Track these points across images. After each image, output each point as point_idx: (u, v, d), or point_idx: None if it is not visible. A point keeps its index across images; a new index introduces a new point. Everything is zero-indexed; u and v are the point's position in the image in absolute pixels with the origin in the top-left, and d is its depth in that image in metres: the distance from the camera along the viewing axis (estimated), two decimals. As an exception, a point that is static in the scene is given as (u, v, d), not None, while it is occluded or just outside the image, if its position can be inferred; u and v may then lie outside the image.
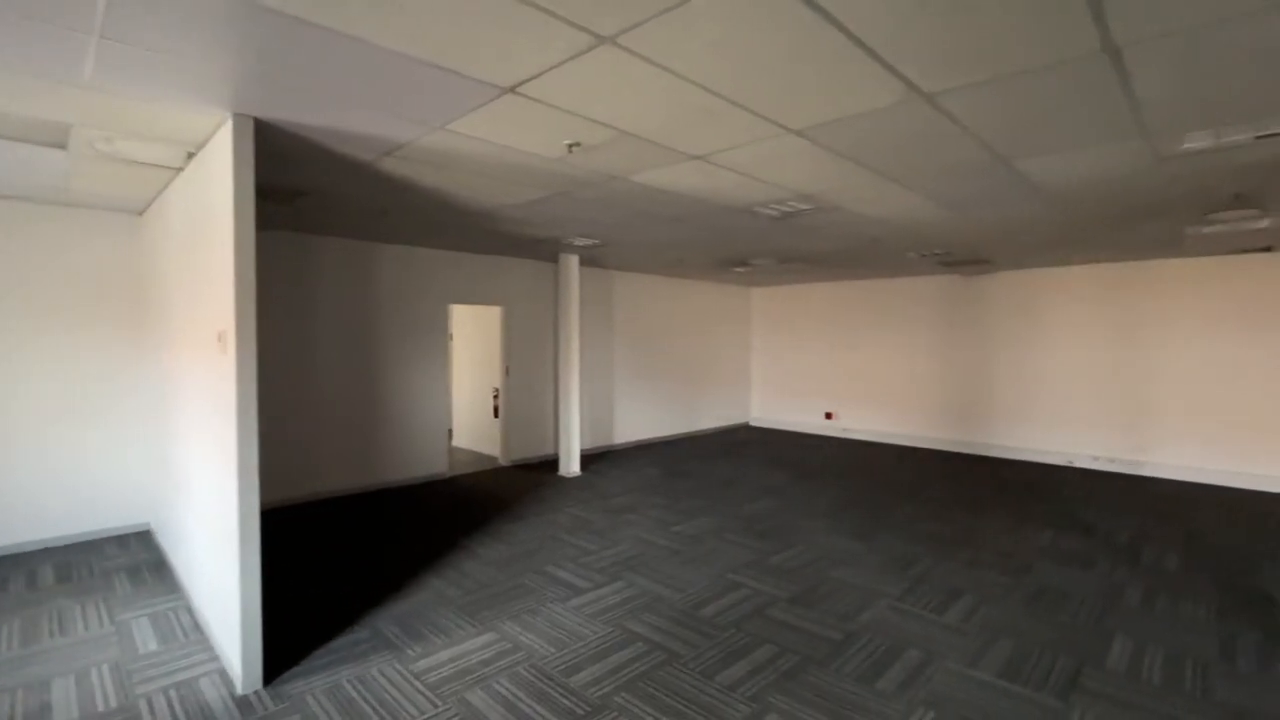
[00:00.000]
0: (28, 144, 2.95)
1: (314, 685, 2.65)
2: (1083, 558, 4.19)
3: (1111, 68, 2.07)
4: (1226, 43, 1.90)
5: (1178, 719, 2.44)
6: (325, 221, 4.87)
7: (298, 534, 4.65)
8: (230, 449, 2.65)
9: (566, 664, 2.82)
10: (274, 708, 2.50)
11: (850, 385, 9.19)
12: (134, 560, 4.11)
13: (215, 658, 2.88)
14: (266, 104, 2.45)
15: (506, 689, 2.63)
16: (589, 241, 5.76)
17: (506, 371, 7.13)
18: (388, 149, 3.00)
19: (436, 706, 2.50)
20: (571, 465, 6.67)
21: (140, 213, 4.60)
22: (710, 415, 9.78)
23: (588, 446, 7.88)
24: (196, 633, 3.12)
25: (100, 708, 2.50)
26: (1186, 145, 2.83)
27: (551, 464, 7.24)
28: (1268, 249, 5.85)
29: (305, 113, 2.54)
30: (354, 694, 2.59)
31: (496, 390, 7.36)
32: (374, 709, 2.48)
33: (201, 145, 2.96)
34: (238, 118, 2.55)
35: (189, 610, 3.37)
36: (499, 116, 2.56)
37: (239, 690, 2.60)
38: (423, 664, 2.82)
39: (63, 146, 2.99)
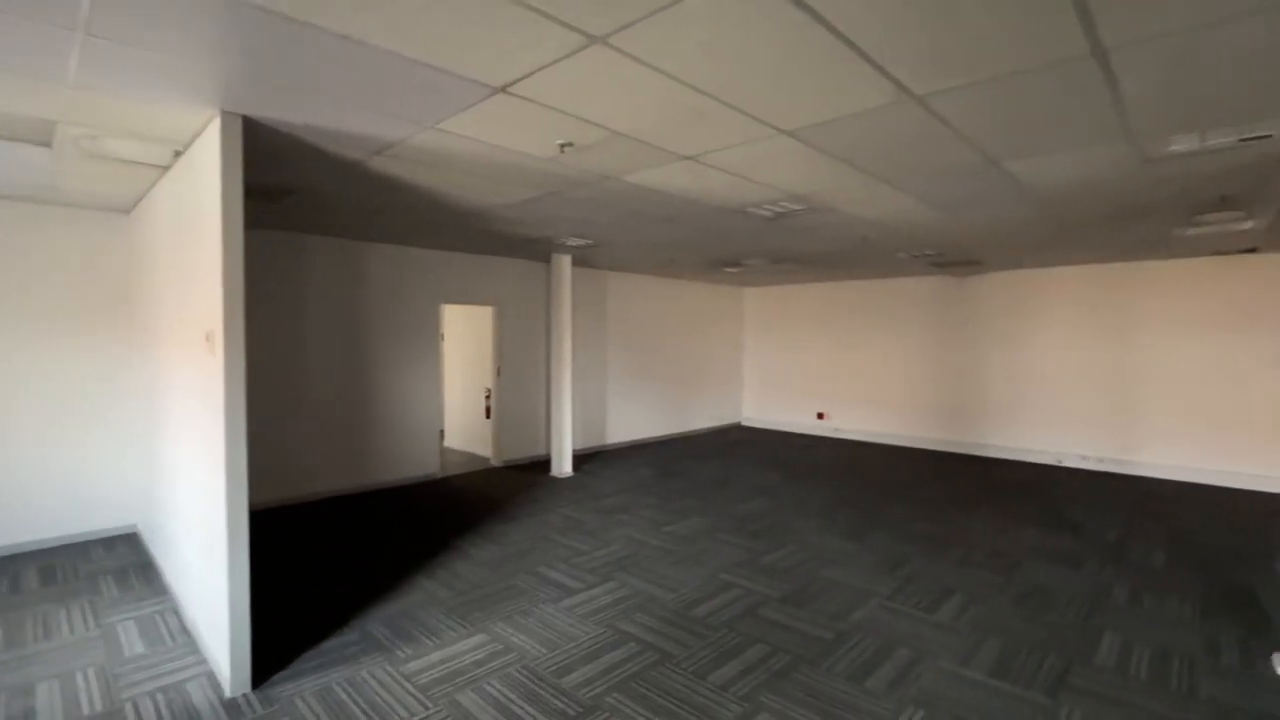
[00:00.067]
0: (11, 141, 2.91)
1: (303, 688, 2.63)
2: (1071, 556, 4.23)
3: (1099, 70, 2.09)
4: (1212, 46, 1.93)
5: (1164, 715, 2.47)
6: (316, 220, 4.84)
7: (287, 535, 4.62)
8: (218, 449, 2.62)
9: (558, 665, 2.82)
10: (263, 711, 2.48)
11: (842, 385, 9.23)
12: (121, 562, 4.06)
13: (203, 661, 2.85)
14: (255, 102, 2.43)
15: (498, 690, 2.62)
16: (581, 241, 5.75)
17: (498, 372, 7.10)
18: (378, 148, 2.99)
19: (427, 708, 2.49)
20: (564, 466, 6.66)
21: (127, 211, 4.55)
22: (702, 415, 9.79)
23: (580, 447, 7.87)
24: (184, 635, 3.09)
25: (85, 712, 2.47)
26: (1173, 148, 2.87)
27: (543, 464, 7.22)
28: (1252, 250, 5.92)
29: (294, 111, 2.52)
30: (344, 696, 2.57)
31: (488, 391, 7.34)
32: (364, 711, 2.47)
33: (189, 143, 2.94)
34: (226, 115, 2.52)
35: (176, 613, 3.34)
36: (490, 116, 2.55)
37: (227, 693, 2.57)
38: (413, 666, 2.81)
39: (47, 144, 2.95)
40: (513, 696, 2.57)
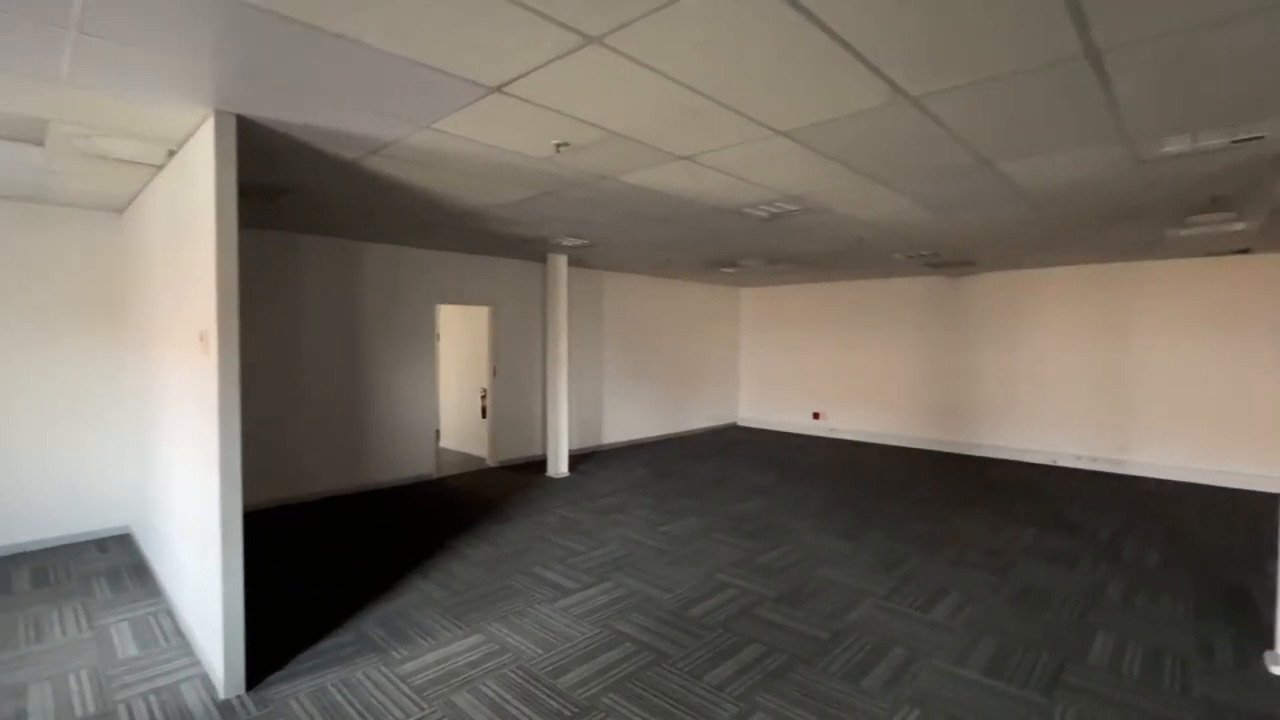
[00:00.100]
0: (3, 140, 2.89)
1: (298, 689, 2.62)
2: (1066, 556, 4.25)
3: (1092, 72, 2.10)
4: (1204, 48, 1.94)
5: (1157, 714, 2.48)
6: (311, 220, 4.83)
7: (282, 536, 4.60)
8: (212, 450, 2.61)
9: (554, 665, 2.82)
10: (257, 713, 2.47)
11: (838, 385, 9.25)
12: (114, 564, 4.04)
13: (197, 662, 2.84)
14: (249, 101, 2.42)
15: (493, 691, 2.61)
16: (577, 241, 5.75)
17: (494, 372, 7.09)
18: (373, 148, 2.98)
19: (422, 709, 2.48)
20: (559, 466, 6.65)
21: (121, 211, 4.52)
22: (698, 415, 9.79)
23: (576, 447, 7.86)
24: (178, 637, 3.08)
25: (78, 714, 2.46)
26: (1166, 149, 2.88)
27: (539, 465, 7.22)
28: (1244, 251, 5.96)
29: (289, 110, 2.51)
30: (339, 698, 2.56)
31: (484, 391, 7.33)
32: (359, 712, 2.46)
33: (183, 142, 2.92)
34: (219, 115, 2.51)
35: (170, 614, 3.32)
36: (486, 116, 2.55)
37: (221, 695, 2.56)
38: (408, 666, 2.80)
39: (40, 143, 2.93)
40: (508, 697, 2.57)
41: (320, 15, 1.78)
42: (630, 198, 3.94)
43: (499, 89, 2.29)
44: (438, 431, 8.13)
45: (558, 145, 2.92)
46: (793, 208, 4.16)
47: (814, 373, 9.53)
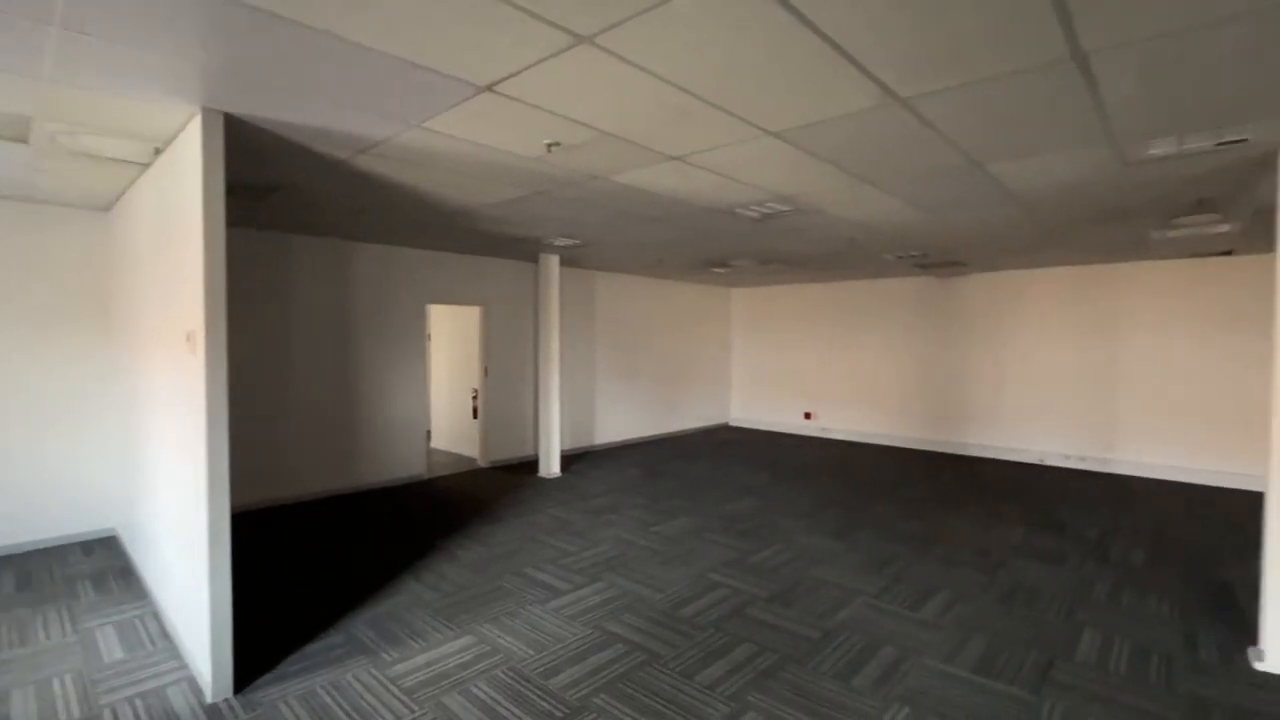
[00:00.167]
0: (-14, 137, 2.85)
1: (287, 692, 2.60)
2: (1054, 554, 4.29)
3: (1079, 74, 2.12)
4: (1189, 52, 1.96)
5: (1143, 710, 2.51)
6: (300, 219, 4.79)
7: (271, 537, 4.56)
8: (200, 451, 2.59)
9: (545, 666, 2.81)
10: (245, 716, 2.44)
11: (829, 385, 9.29)
12: (99, 566, 3.99)
13: (184, 665, 2.81)
14: (237, 99, 2.40)
15: (484, 692, 2.60)
16: (569, 241, 5.74)
17: (485, 372, 7.07)
18: (363, 146, 2.96)
19: (413, 711, 2.47)
20: (551, 466, 6.64)
21: (107, 210, 4.47)
22: (690, 415, 9.80)
23: (568, 447, 7.85)
24: (164, 640, 3.04)
25: (63, 718, 2.43)
26: (1151, 151, 2.91)
27: (531, 465, 7.20)
28: (1228, 252, 6.03)
29: (277, 108, 2.49)
30: (328, 700, 2.54)
31: (475, 391, 7.30)
32: (348, 715, 2.44)
33: (170, 141, 2.89)
34: (207, 112, 2.49)
35: (157, 617, 3.29)
36: (477, 115, 2.54)
37: (209, 698, 2.54)
38: (399, 668, 2.78)
39: (24, 140, 2.90)
40: (499, 698, 2.56)
41: (308, 12, 1.77)
42: (622, 198, 3.94)
43: (490, 88, 2.28)
44: (429, 432, 8.09)
45: (549, 145, 2.91)
46: (784, 208, 4.18)
47: (805, 373, 9.56)
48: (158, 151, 3.06)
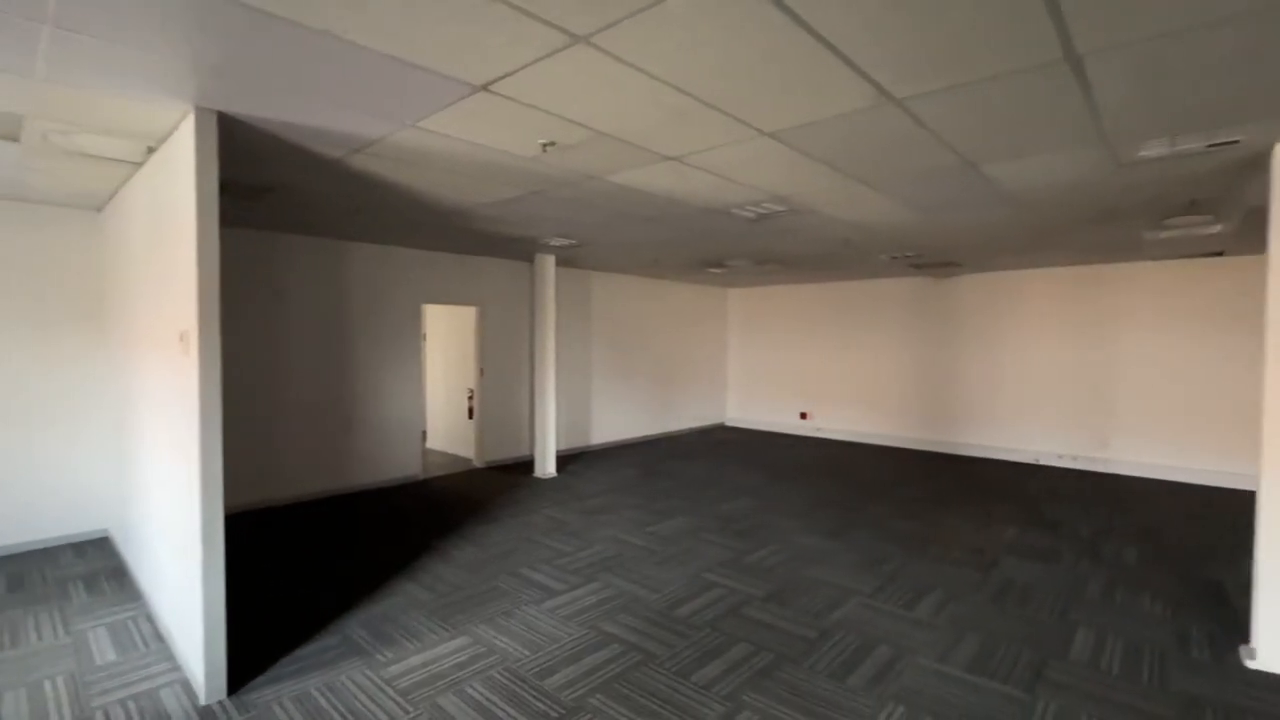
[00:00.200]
0: (-24, 136, 2.83)
1: (281, 694, 2.59)
2: (1048, 553, 4.31)
3: (1073, 76, 2.13)
4: (1181, 54, 1.97)
5: (1136, 708, 2.52)
6: (295, 219, 4.77)
7: (265, 539, 4.54)
8: (193, 452, 2.57)
9: (541, 666, 2.81)
10: (239, 718, 2.43)
11: (824, 386, 9.31)
12: (91, 568, 3.97)
13: (177, 668, 2.80)
14: (231, 98, 2.39)
15: (480, 693, 2.60)
16: (565, 241, 5.74)
17: (481, 372, 7.06)
18: (358, 145, 2.95)
19: (408, 712, 2.46)
20: (547, 466, 6.63)
21: (99, 209, 4.44)
22: (687, 415, 9.81)
23: (564, 447, 7.84)
24: (158, 642, 3.03)
25: (54, 722, 2.41)
26: (1144, 153, 2.93)
27: (527, 465, 7.19)
28: (1219, 253, 6.07)
29: (271, 107, 2.48)
30: (323, 702, 2.53)
31: (471, 391, 7.29)
32: (343, 716, 2.43)
33: (163, 140, 2.88)
34: (200, 111, 2.48)
35: (150, 619, 3.27)
36: (472, 114, 2.54)
37: (202, 700, 2.53)
38: (394, 669, 2.78)
39: (15, 139, 2.87)
40: (495, 699, 2.55)
41: (303, 11, 1.76)
42: (618, 198, 3.94)
43: (485, 87, 2.28)
44: (424, 433, 8.08)
45: (544, 144, 2.91)
46: (780, 208, 4.19)
47: (801, 373, 9.58)
48: (151, 150, 3.04)
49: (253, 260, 5.23)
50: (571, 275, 7.87)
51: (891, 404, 8.63)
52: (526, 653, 2.93)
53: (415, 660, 2.85)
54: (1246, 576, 3.78)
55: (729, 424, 10.55)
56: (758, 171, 3.33)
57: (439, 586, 3.69)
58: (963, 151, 2.96)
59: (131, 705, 2.51)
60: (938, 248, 5.86)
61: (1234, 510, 5.41)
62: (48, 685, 2.65)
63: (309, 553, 4.25)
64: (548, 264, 6.67)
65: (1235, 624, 3.24)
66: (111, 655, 2.90)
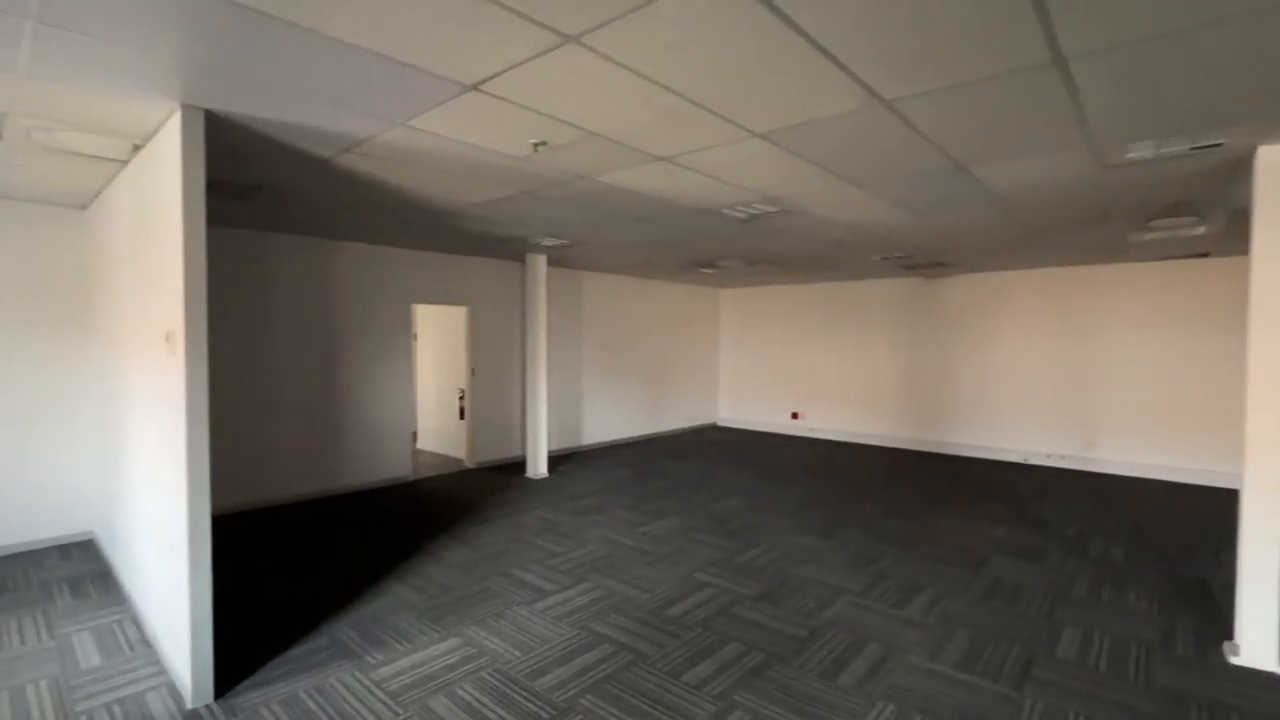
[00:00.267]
0: (-42, 133, 2.79)
1: (269, 697, 2.57)
2: (1036, 551, 4.34)
3: (1060, 79, 2.15)
4: (1165, 59, 2.00)
5: (1122, 704, 2.55)
6: (283, 218, 4.73)
7: (253, 541, 4.51)
8: (179, 452, 2.55)
9: (532, 667, 2.80)
10: (226, 721, 2.41)
11: (815, 386, 9.34)
12: (76, 571, 3.92)
13: (163, 671, 2.77)
14: (218, 95, 2.36)
15: (470, 694, 2.59)
16: (556, 241, 5.72)
17: (472, 373, 7.03)
18: (347, 145, 2.93)
19: (397, 715, 2.45)
20: (539, 467, 6.62)
21: (84, 208, 4.39)
22: (678, 415, 9.82)
23: (555, 448, 7.83)
24: (143, 645, 2.99)
25: (37, 727, 2.38)
26: (1130, 155, 2.96)
27: (518, 466, 7.17)
28: (1204, 255, 6.15)
29: (259, 105, 2.46)
30: (311, 705, 2.51)
31: (462, 392, 7.26)
32: (331, 719, 2.42)
33: (149, 137, 2.85)
34: (187, 109, 2.45)
35: (136, 622, 3.23)
36: (462, 113, 2.53)
37: (189, 704, 2.50)
38: (384, 671, 2.76)
39: (-3, 136, 2.84)
40: (485, 700, 2.55)
41: (292, 9, 1.75)
42: (609, 198, 3.94)
43: (475, 87, 2.27)
44: (415, 433, 8.04)
45: (535, 144, 2.90)
46: (771, 209, 4.20)
47: (792, 373, 9.61)
48: (136, 148, 3.01)
49: (240, 260, 5.18)
50: (563, 275, 7.86)
51: (882, 404, 8.67)
52: (517, 654, 2.92)
53: (405, 662, 2.84)
54: (1230, 574, 3.83)
55: (721, 424, 10.57)
56: (749, 172, 3.34)
57: (429, 588, 3.67)
58: (952, 153, 2.98)
59: (117, 709, 2.48)
60: (928, 249, 5.89)
61: (1219, 508, 5.48)
62: (30, 690, 2.62)
63: (298, 554, 4.22)
64: (539, 264, 6.65)
65: (1219, 621, 3.28)
66: (96, 659, 2.87)
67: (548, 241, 5.74)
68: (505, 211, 4.42)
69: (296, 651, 2.93)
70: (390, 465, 6.26)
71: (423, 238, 5.62)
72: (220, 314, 5.04)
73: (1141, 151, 2.90)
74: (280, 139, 2.84)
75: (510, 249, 6.30)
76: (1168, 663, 2.88)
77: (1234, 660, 2.88)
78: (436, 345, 7.97)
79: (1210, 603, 3.52)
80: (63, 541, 4.41)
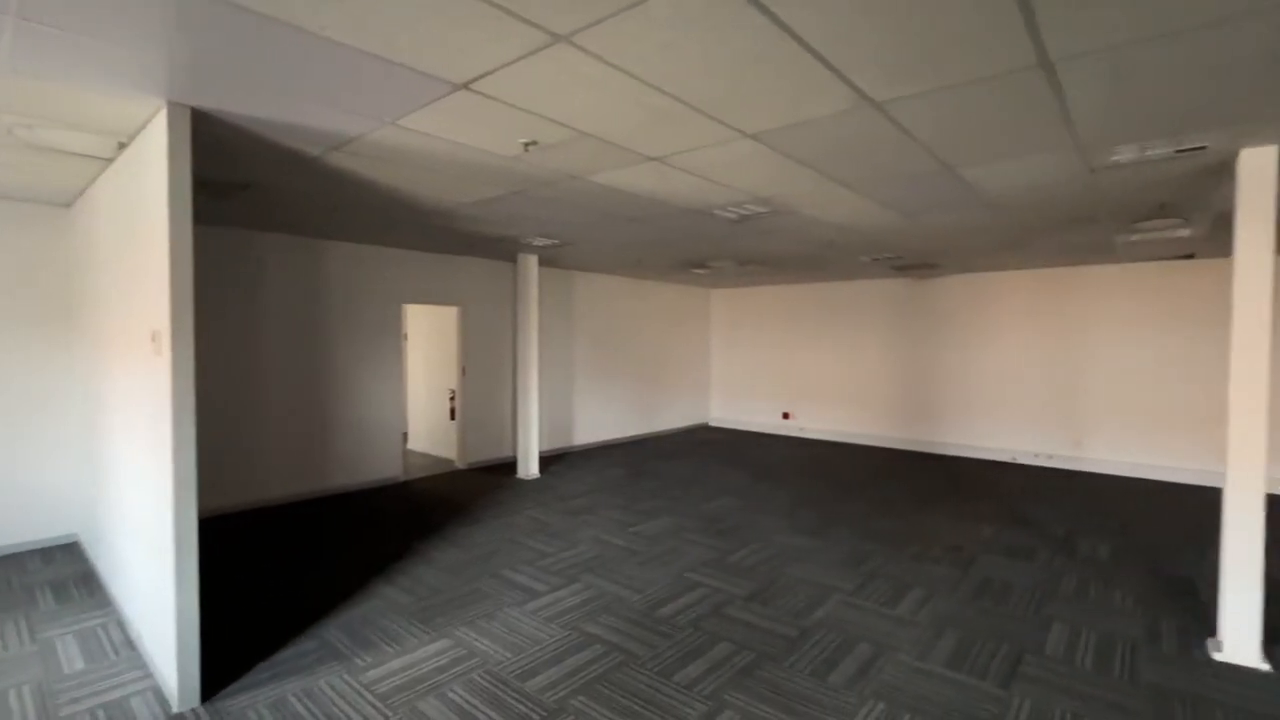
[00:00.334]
0: (-62, 129, 2.74)
1: (257, 700, 2.54)
2: (1024, 550, 4.38)
3: (1046, 82, 2.17)
4: (1148, 62, 2.02)
5: (1108, 701, 2.57)
6: (272, 217, 4.69)
7: (241, 543, 4.46)
8: (165, 453, 2.52)
9: (523, 669, 2.79)
10: (213, 725, 2.39)
11: (806, 386, 9.38)
12: (60, 574, 3.86)
13: (149, 675, 2.73)
14: (204, 93, 2.34)
15: (460, 696, 2.58)
16: (548, 241, 5.71)
17: (463, 373, 7.00)
18: (336, 143, 2.91)
19: (387, 717, 2.43)
20: (530, 467, 6.60)
21: (68, 206, 4.33)
22: (670, 416, 9.82)
23: (546, 448, 7.81)
24: (128, 649, 2.96)
25: (19, 732, 2.35)
26: (1115, 157, 3.00)
27: (510, 466, 7.15)
28: (1189, 256, 6.23)
29: (247, 103, 2.44)
30: (299, 708, 2.49)
31: (453, 392, 7.23)
32: (321, 722, 2.40)
33: (134, 135, 2.81)
34: (173, 106, 2.43)
35: (120, 625, 3.19)
36: (452, 113, 2.52)
37: (175, 708, 2.47)
38: (373, 674, 2.74)
39: (-22, 133, 2.79)
40: (476, 702, 2.53)
41: (278, 6, 1.73)
42: (600, 198, 3.94)
43: (465, 86, 2.26)
44: (405, 434, 7.99)
45: (526, 144, 2.90)
46: (762, 210, 4.21)
47: (784, 373, 9.64)
48: (122, 146, 2.97)
49: (228, 259, 5.13)
50: (554, 275, 7.84)
51: (872, 404, 8.72)
52: (508, 655, 2.91)
53: (395, 664, 2.82)
54: (1214, 571, 3.88)
55: (712, 424, 10.59)
56: (740, 173, 3.35)
57: (419, 589, 3.65)
58: (941, 155, 3.00)
59: (101, 714, 2.45)
60: (918, 249, 5.93)
61: (1205, 507, 5.55)
62: (13, 695, 2.58)
63: (286, 556, 4.18)
64: (530, 264, 6.63)
65: (1204, 617, 3.32)
66: (80, 663, 2.83)
67: (539, 241, 5.73)
68: (496, 211, 4.40)
69: (284, 654, 2.90)
70: (380, 466, 6.22)
71: (413, 237, 5.59)
72: (207, 313, 4.99)
73: (1127, 154, 2.94)
74: (268, 137, 2.82)
75: (502, 249, 6.28)
76: (1153, 659, 2.91)
77: (1217, 656, 2.92)
78: (427, 345, 7.94)
79: (1195, 600, 3.56)
80: (46, 544, 4.35)
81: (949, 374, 8.05)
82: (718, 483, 6.37)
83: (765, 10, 1.73)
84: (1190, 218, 4.18)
